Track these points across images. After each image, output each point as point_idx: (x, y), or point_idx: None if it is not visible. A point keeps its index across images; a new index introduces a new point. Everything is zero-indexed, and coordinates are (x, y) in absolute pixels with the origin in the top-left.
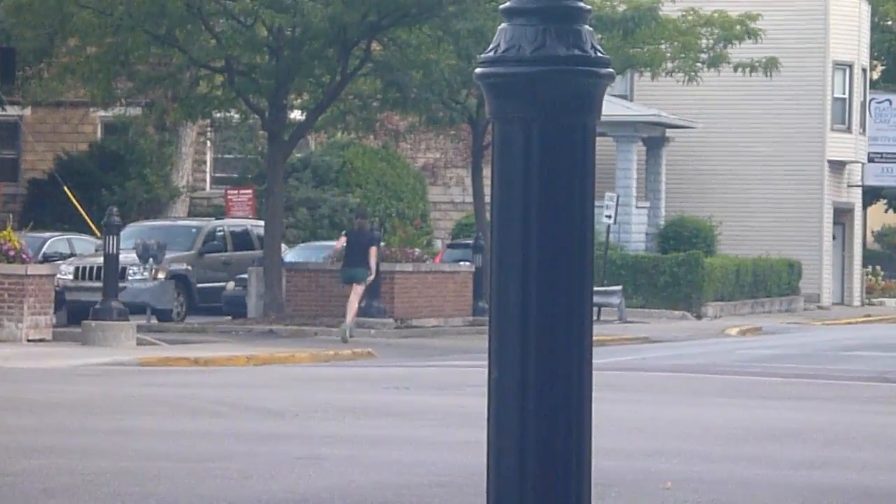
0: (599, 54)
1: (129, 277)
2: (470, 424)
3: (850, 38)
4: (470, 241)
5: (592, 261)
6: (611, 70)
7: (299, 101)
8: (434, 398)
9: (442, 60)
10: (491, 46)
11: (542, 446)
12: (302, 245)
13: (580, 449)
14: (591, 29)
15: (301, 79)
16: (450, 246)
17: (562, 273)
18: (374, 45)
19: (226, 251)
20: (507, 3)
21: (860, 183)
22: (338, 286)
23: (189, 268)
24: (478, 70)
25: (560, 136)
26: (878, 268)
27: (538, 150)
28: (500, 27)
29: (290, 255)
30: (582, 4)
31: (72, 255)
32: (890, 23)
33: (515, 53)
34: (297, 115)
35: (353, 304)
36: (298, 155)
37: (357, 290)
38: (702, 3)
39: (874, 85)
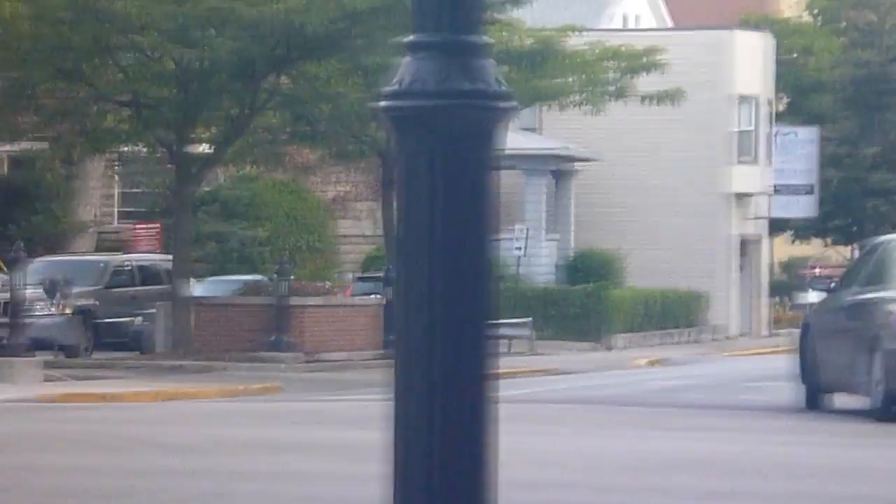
0: (502, 88)
1: (36, 313)
2: (378, 458)
3: (755, 71)
4: (380, 274)
5: (496, 293)
6: (513, 103)
7: (207, 134)
8: (344, 432)
9: (350, 93)
10: (395, 80)
11: (447, 480)
12: (211, 279)
13: (486, 482)
14: (494, 62)
15: (209, 112)
16: (360, 279)
17: (466, 306)
18: (283, 79)
19: (133, 286)
20: (412, 37)
21: (766, 214)
22: (247, 320)
23: (96, 303)
24: (382, 103)
25: (464, 170)
26: (784, 298)
27: (442, 184)
28: (403, 60)
29: (199, 289)
30: (485, 39)
31: None
32: (795, 56)
33: (420, 87)
34: (204, 148)
35: None
36: (206, 188)
37: None
38: (607, 36)
39: (780, 117)
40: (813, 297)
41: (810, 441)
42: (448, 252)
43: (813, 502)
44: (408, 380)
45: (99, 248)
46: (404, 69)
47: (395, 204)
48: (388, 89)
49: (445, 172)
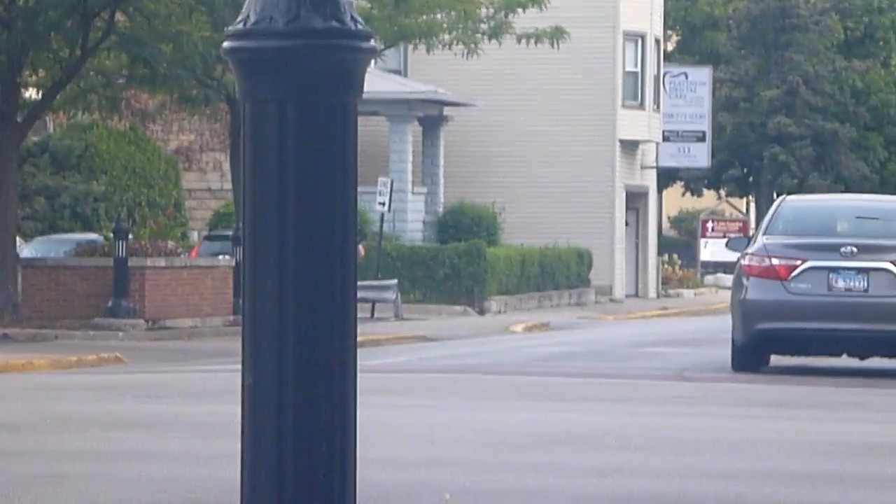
0: (360, 26)
1: None
2: (228, 435)
3: (642, 5)
4: (229, 233)
5: (356, 253)
6: (373, 44)
7: (35, 78)
8: (189, 407)
9: (195, 32)
10: (240, 18)
11: (301, 458)
12: (40, 238)
13: (344, 460)
14: None
15: (36, 53)
16: (207, 238)
17: (322, 267)
18: (119, 16)
19: None
20: None
21: (654, 164)
22: (81, 284)
23: None
24: (225, 44)
25: (318, 118)
26: (675, 256)
27: (294, 134)
28: None
29: (27, 250)
30: None
31: None
32: None
33: (267, 26)
34: (32, 93)
35: None
36: (35, 138)
37: None
38: None
39: (669, 57)
40: (707, 254)
41: (704, 412)
42: (301, 210)
43: (704, 479)
44: (257, 349)
45: None
46: (250, 5)
47: (243, 156)
48: (232, 28)
49: (297, 121)
